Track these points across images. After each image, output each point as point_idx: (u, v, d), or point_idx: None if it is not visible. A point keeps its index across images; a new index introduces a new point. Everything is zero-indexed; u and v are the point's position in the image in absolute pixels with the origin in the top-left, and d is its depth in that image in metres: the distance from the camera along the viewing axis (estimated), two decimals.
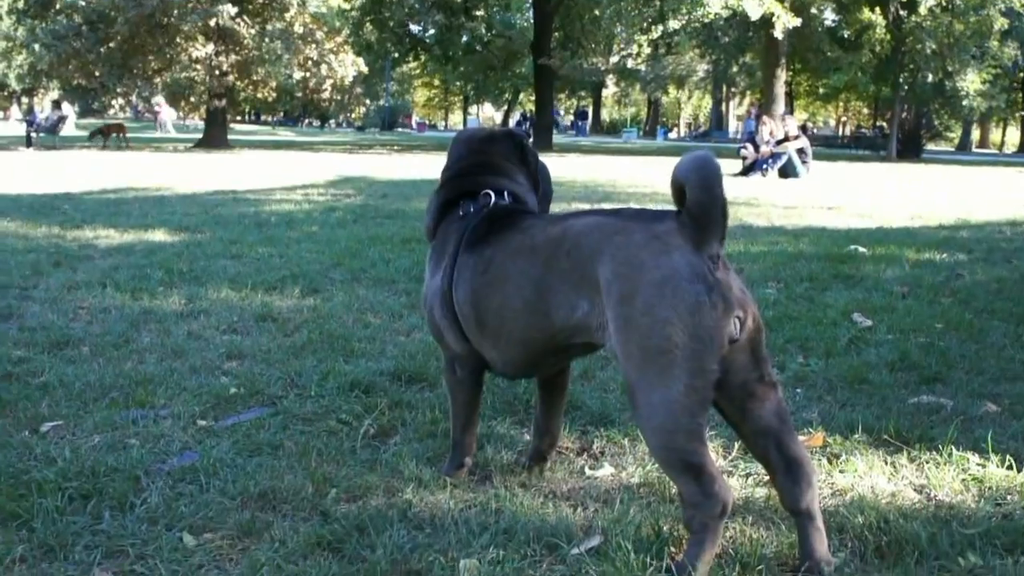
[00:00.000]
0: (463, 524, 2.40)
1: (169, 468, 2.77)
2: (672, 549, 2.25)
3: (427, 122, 72.37)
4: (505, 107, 66.80)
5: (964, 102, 28.84)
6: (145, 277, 5.81)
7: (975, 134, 54.98)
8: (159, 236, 7.82)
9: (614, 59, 34.83)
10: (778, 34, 26.12)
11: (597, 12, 32.30)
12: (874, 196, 13.33)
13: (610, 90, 62.16)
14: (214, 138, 28.64)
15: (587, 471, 2.84)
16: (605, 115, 70.86)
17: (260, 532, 2.36)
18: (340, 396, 3.48)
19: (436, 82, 68.15)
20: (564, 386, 2.83)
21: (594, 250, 2.21)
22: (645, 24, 27.63)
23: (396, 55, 41.94)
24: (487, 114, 75.28)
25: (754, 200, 11.78)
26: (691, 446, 2.05)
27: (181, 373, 3.77)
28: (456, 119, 79.46)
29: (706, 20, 26.58)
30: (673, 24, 26.57)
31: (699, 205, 2.06)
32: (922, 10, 26.86)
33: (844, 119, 63.06)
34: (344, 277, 6.01)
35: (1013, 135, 60.23)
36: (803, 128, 25.65)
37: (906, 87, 29.91)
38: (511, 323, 2.42)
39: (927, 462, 2.88)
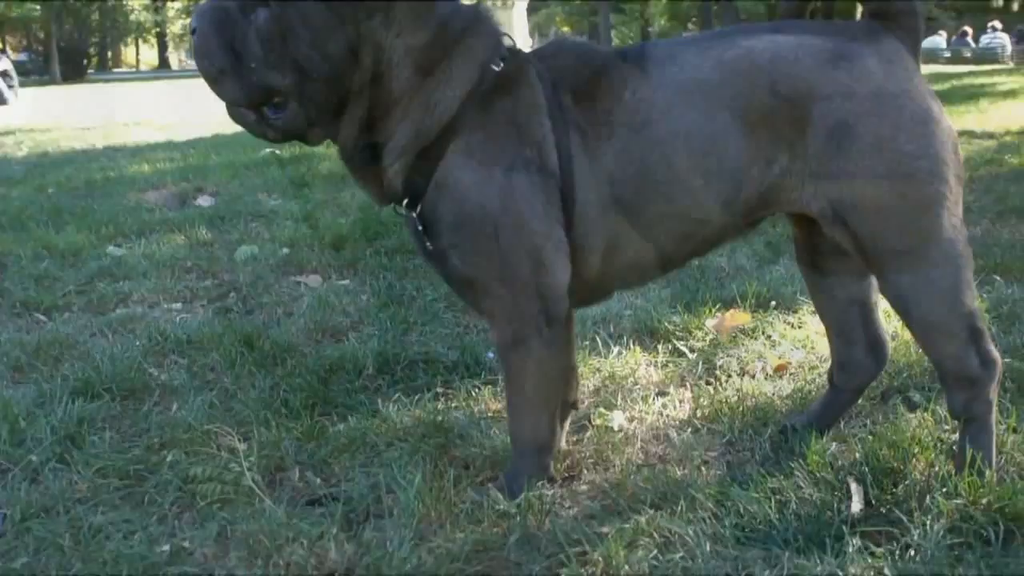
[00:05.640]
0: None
1: None
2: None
3: None
4: None
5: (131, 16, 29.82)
6: None
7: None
8: None
9: None
10: None
11: None
12: (135, 109, 13.62)
13: None
14: None
15: (601, 423, 2.19)
16: None
17: None
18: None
19: None
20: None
21: (810, 83, 1.71)
22: None
23: None
24: None
25: None
26: (975, 306, 1.76)
27: None
28: None
29: None
30: None
31: (905, 11, 1.75)
32: None
33: None
34: None
35: (147, 54, 59.95)
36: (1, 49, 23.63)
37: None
38: (684, 197, 1.75)
39: None
